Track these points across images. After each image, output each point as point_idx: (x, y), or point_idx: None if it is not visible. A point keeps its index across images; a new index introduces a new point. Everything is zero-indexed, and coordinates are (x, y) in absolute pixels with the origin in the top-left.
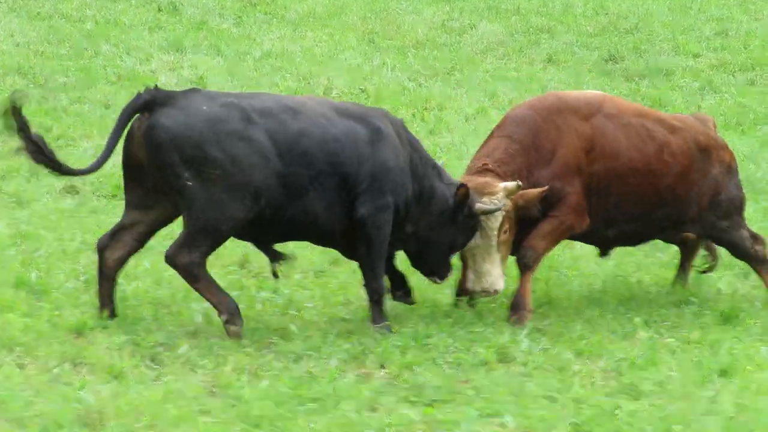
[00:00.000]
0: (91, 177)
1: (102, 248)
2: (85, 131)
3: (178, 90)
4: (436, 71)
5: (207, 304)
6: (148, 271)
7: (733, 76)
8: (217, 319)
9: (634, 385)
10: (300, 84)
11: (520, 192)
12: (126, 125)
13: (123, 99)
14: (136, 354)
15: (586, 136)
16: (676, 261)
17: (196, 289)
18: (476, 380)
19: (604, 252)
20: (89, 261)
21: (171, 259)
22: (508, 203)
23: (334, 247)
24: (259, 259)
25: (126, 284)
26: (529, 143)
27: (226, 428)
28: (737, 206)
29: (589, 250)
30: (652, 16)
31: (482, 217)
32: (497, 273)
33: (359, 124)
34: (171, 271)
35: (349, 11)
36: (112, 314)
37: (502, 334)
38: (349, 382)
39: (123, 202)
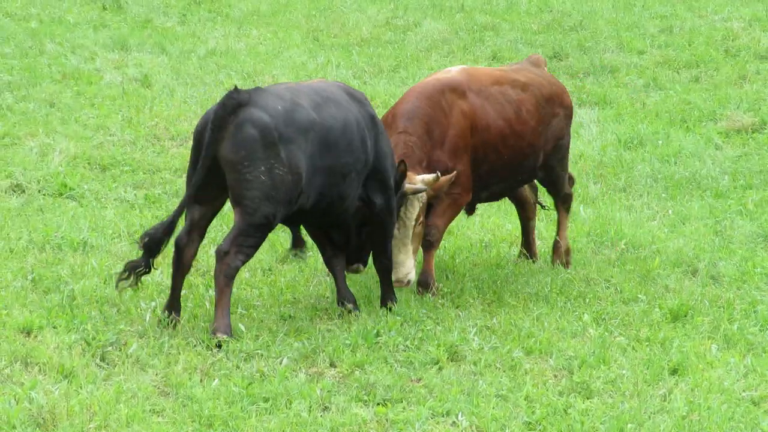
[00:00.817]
0: (37, 175)
1: (181, 246)
2: (31, 130)
3: (249, 90)
4: (381, 69)
5: (155, 303)
6: (95, 270)
7: (678, 73)
8: (165, 318)
9: (585, 383)
10: (245, 82)
11: None
12: (222, 130)
13: (67, 97)
14: (86, 353)
15: (467, 114)
16: (623, 257)
17: (220, 291)
18: (428, 379)
19: (471, 211)
20: (36, 260)
21: (221, 255)
22: (425, 195)
23: (343, 228)
24: (207, 258)
25: (74, 283)
26: (423, 132)
27: (178, 428)
28: (567, 148)
29: (537, 249)
30: (596, 13)
31: (401, 208)
32: (411, 264)
33: (363, 108)
34: (118, 270)
35: (293, 9)
36: (179, 311)
37: (452, 332)
38: (300, 381)
39: (69, 201)
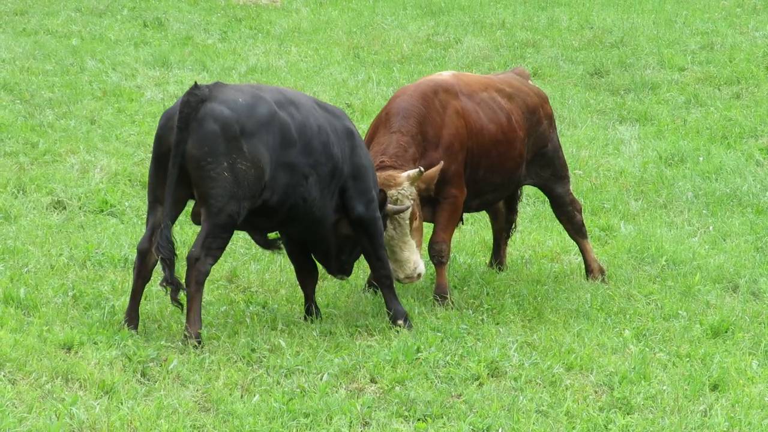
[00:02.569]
0: (78, 192)
1: (143, 251)
2: (72, 146)
3: (208, 84)
4: None
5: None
6: None
7: (719, 89)
8: (206, 334)
9: (626, 399)
10: None
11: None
12: (188, 128)
13: (109, 114)
14: (127, 369)
15: (461, 114)
16: (663, 273)
17: (191, 296)
18: (468, 395)
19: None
20: (77, 276)
21: (192, 261)
22: (414, 191)
23: (320, 240)
24: (247, 273)
25: (115, 299)
26: (417, 132)
27: None
28: (559, 156)
29: (577, 265)
30: (637, 30)
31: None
32: (416, 258)
33: (337, 120)
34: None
35: (334, 26)
36: (137, 322)
37: (492, 348)
38: (340, 397)
39: (110, 217)
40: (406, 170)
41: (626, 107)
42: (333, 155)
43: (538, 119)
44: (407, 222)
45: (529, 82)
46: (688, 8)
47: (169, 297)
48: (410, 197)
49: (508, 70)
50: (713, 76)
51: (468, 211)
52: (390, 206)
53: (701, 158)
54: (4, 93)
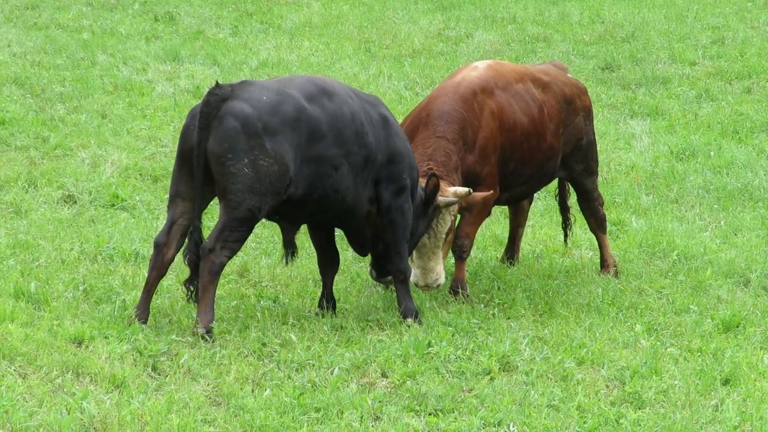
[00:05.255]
0: (89, 186)
1: (160, 245)
2: (82, 141)
3: (233, 83)
4: (433, 80)
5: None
6: None
7: (730, 84)
8: (217, 328)
9: (637, 393)
10: None
11: None
12: (209, 127)
13: (120, 108)
14: (138, 363)
15: (495, 114)
16: (674, 268)
17: (204, 287)
18: (479, 389)
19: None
20: (88, 270)
21: (206, 252)
22: (456, 207)
23: (355, 230)
24: (258, 268)
25: (125, 293)
26: (459, 138)
27: None
28: (591, 150)
29: (588, 259)
30: (648, 24)
31: (432, 222)
32: (439, 270)
33: (372, 108)
34: (170, 280)
35: (345, 21)
36: (147, 316)
37: (503, 342)
38: (351, 391)
39: (121, 211)
40: (451, 179)
41: (637, 102)
42: (367, 144)
43: (573, 110)
44: (443, 236)
45: (568, 75)
46: (699, 3)
47: (191, 297)
48: (452, 213)
49: (546, 62)
50: (724, 70)
51: (497, 204)
52: (441, 198)
53: (712, 153)
54: (15, 87)
